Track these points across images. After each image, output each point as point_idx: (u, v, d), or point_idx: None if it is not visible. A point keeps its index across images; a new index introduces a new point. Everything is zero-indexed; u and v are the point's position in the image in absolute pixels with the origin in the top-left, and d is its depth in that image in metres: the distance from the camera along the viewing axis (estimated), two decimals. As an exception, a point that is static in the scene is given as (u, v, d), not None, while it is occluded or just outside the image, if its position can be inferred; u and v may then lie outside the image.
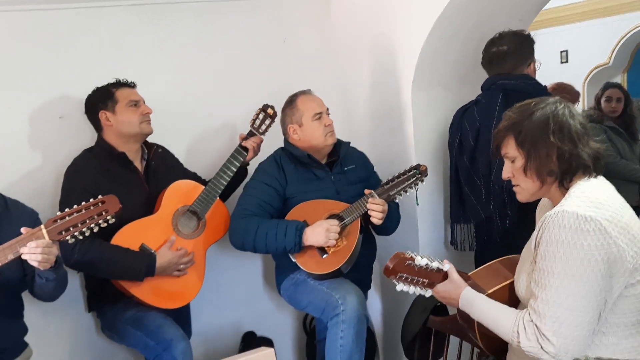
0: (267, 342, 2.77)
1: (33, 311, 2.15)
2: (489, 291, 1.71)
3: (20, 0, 2.31)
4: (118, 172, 2.31)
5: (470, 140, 2.46)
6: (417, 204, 2.47)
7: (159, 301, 2.27)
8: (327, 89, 2.86)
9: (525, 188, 1.64)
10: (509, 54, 2.41)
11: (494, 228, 2.44)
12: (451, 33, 2.53)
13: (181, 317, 2.41)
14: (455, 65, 2.68)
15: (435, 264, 1.74)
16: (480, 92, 2.52)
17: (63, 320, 2.43)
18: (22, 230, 1.80)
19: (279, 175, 2.42)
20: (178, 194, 2.37)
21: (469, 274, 1.80)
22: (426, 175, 2.37)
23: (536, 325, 1.51)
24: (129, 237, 2.21)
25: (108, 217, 1.82)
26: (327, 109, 2.48)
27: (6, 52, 2.33)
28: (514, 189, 1.68)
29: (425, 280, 1.73)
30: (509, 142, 1.62)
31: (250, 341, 2.78)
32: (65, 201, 2.20)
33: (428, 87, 2.68)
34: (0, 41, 2.31)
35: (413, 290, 1.75)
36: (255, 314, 2.85)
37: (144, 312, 2.25)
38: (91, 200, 1.83)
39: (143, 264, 2.19)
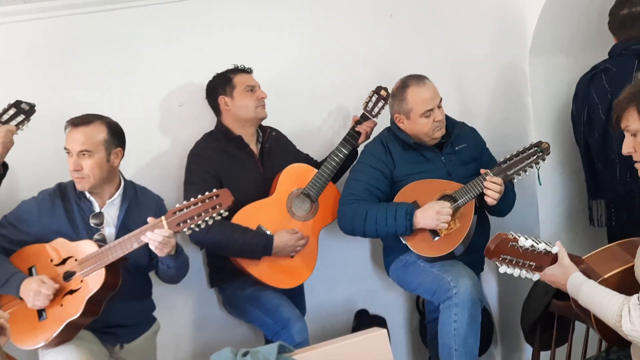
0: (380, 321, 2.78)
1: (161, 287, 2.31)
2: (605, 275, 1.61)
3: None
4: (236, 154, 2.39)
5: (601, 114, 2.27)
6: (540, 184, 2.34)
7: (275, 280, 2.34)
8: (436, 63, 2.76)
9: None
10: None
11: (636, 205, 2.27)
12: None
13: (296, 295, 2.48)
14: (578, 28, 2.48)
15: (542, 246, 1.65)
16: (606, 57, 2.31)
17: (188, 296, 2.58)
18: (148, 220, 1.96)
19: (386, 158, 2.37)
20: (292, 177, 2.41)
21: (584, 257, 1.70)
22: (549, 154, 2.23)
23: None
24: (246, 218, 2.30)
25: (221, 211, 1.92)
26: (441, 100, 2.33)
27: (143, 42, 2.45)
28: (636, 165, 1.57)
29: (533, 264, 1.66)
30: (630, 114, 1.51)
31: (363, 319, 2.80)
32: (189, 181, 2.35)
33: (547, 53, 2.50)
34: (137, 33, 2.44)
35: (518, 273, 1.68)
36: (366, 292, 2.86)
37: (261, 291, 2.34)
38: (206, 193, 1.93)
39: (261, 242, 2.27)
